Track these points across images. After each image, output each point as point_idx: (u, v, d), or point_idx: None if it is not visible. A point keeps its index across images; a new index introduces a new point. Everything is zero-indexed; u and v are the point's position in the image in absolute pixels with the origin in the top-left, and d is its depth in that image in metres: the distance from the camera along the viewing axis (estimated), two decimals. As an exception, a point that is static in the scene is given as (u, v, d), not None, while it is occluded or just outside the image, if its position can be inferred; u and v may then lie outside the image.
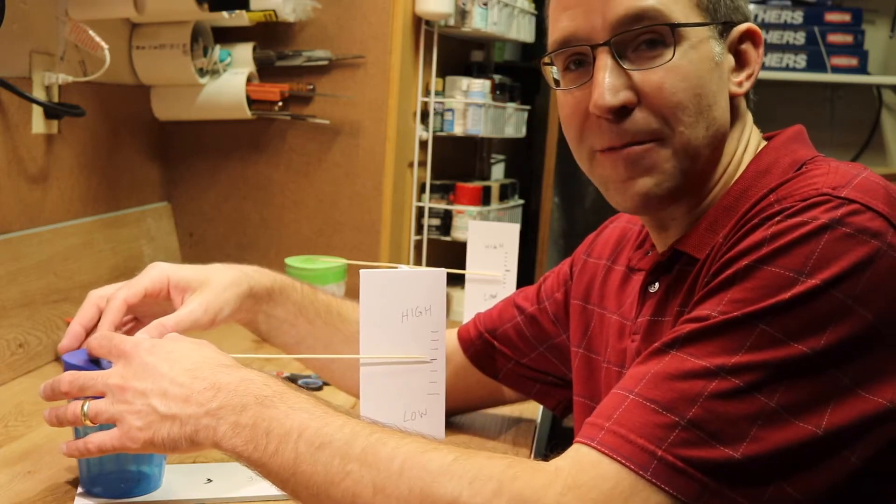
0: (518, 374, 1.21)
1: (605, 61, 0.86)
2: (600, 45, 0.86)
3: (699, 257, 0.88)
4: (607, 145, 0.88)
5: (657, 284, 0.94)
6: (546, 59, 0.93)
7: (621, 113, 0.86)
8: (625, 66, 0.86)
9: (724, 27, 0.89)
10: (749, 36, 0.91)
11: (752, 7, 2.79)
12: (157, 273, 1.05)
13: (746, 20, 0.91)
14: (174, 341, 0.91)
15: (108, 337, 0.92)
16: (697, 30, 0.86)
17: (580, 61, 0.90)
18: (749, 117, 0.94)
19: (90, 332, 1.00)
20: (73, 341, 1.00)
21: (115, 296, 1.01)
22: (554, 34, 0.91)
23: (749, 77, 0.91)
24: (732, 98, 0.90)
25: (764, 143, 0.94)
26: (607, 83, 0.85)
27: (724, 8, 0.89)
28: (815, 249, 0.73)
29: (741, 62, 0.91)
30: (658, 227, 0.95)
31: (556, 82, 0.93)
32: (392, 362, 1.00)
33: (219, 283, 1.06)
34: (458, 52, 2.17)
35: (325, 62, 1.85)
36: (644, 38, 0.86)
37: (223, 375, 0.84)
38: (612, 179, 0.90)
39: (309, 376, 1.41)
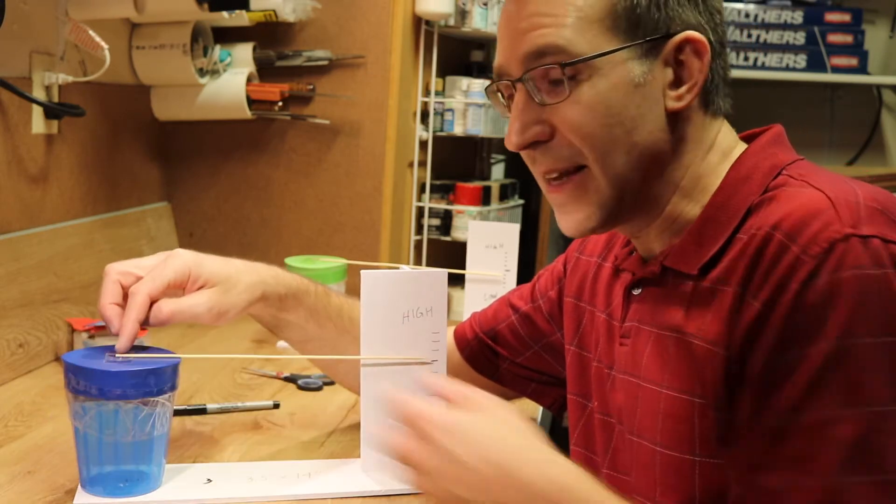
0: (513, 374, 1.21)
1: (518, 98, 0.88)
2: (516, 81, 0.88)
3: (692, 273, 0.87)
4: (539, 172, 0.91)
5: (640, 289, 0.94)
6: (493, 88, 0.94)
7: (535, 145, 0.88)
8: (538, 101, 0.87)
9: (653, 43, 0.85)
10: (689, 45, 0.86)
11: (751, 7, 2.78)
12: (181, 266, 1.04)
13: (689, 28, 0.86)
14: (480, 418, 0.82)
15: (404, 402, 0.84)
16: (610, 56, 0.84)
17: (511, 93, 0.92)
18: (716, 123, 0.91)
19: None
20: (127, 341, 0.96)
21: (138, 290, 0.99)
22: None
23: (691, 89, 0.87)
24: (679, 111, 0.87)
25: (741, 143, 0.92)
26: (517, 124, 0.88)
27: (651, 23, 0.85)
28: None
29: (680, 75, 0.87)
30: (629, 234, 0.96)
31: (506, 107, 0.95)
32: (393, 363, 1.00)
33: (233, 285, 1.05)
34: (458, 52, 2.17)
35: (325, 62, 1.85)
36: (551, 73, 0.86)
37: (523, 467, 0.78)
38: (554, 206, 0.92)
39: (309, 377, 1.41)
